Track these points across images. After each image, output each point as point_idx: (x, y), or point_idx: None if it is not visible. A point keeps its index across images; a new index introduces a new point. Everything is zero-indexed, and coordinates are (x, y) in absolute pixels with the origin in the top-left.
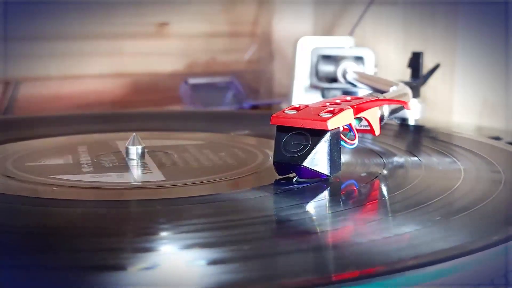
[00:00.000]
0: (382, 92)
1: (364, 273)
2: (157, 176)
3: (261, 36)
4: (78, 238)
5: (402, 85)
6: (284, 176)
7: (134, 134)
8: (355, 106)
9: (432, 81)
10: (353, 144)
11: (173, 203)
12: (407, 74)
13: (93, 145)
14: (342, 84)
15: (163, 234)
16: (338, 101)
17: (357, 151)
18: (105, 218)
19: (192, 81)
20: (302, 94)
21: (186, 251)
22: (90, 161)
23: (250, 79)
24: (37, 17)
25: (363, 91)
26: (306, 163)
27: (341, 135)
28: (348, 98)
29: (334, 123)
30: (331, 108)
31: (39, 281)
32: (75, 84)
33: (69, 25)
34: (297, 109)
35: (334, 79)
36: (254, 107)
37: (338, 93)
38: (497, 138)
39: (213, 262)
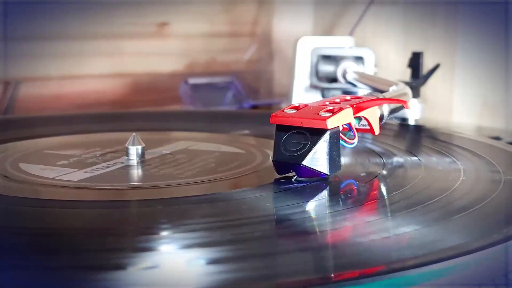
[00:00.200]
0: (382, 92)
1: (363, 273)
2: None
3: (261, 36)
4: (78, 238)
5: (402, 85)
6: (283, 175)
7: (134, 134)
8: (354, 106)
9: (432, 81)
10: (352, 143)
11: (173, 203)
12: (407, 74)
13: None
14: (342, 84)
15: (163, 234)
16: (337, 100)
17: (357, 150)
18: (105, 218)
19: (192, 81)
20: (302, 94)
21: (186, 251)
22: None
23: (250, 79)
24: (37, 17)
25: (363, 91)
26: (306, 162)
27: (341, 135)
28: (348, 97)
29: (334, 122)
30: (331, 107)
31: (39, 281)
32: (75, 84)
33: (69, 25)
34: (296, 108)
35: (334, 79)
36: (254, 107)
37: (338, 93)
38: (497, 138)
39: (213, 262)
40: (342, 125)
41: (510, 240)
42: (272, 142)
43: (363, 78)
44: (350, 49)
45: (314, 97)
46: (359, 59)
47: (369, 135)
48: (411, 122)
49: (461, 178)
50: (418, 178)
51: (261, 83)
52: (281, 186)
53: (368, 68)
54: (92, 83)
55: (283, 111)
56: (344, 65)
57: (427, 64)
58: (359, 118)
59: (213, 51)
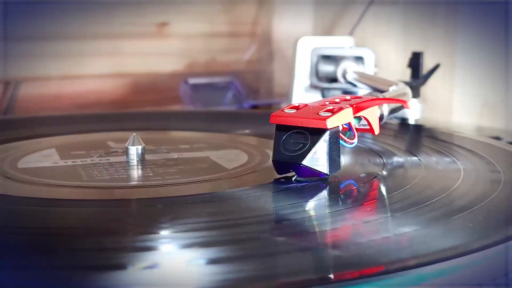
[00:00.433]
0: (382, 91)
1: (363, 273)
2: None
3: (261, 36)
4: (78, 238)
5: (402, 85)
6: (283, 175)
7: (134, 134)
8: (354, 105)
9: (432, 81)
10: (352, 143)
11: (173, 202)
12: (407, 74)
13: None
14: (342, 84)
15: (163, 233)
16: (337, 100)
17: (357, 150)
18: (105, 217)
19: (192, 81)
20: (302, 94)
21: (185, 250)
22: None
23: (250, 79)
24: (37, 17)
25: (363, 91)
26: (305, 162)
27: (341, 134)
28: (348, 97)
29: (333, 122)
30: (331, 107)
31: (39, 281)
32: (75, 84)
33: (69, 25)
34: (296, 108)
35: (334, 79)
36: (254, 107)
37: (338, 93)
38: (497, 138)
39: (212, 261)
40: (342, 125)
41: (510, 240)
42: (272, 142)
43: (363, 78)
44: (350, 49)
45: (314, 97)
46: (359, 59)
47: (369, 135)
48: (411, 122)
49: (461, 178)
50: (418, 178)
51: (261, 83)
52: (281, 186)
53: (368, 68)
54: (92, 83)
55: (283, 111)
56: (344, 65)
57: (427, 64)
58: (359, 118)
59: (213, 51)
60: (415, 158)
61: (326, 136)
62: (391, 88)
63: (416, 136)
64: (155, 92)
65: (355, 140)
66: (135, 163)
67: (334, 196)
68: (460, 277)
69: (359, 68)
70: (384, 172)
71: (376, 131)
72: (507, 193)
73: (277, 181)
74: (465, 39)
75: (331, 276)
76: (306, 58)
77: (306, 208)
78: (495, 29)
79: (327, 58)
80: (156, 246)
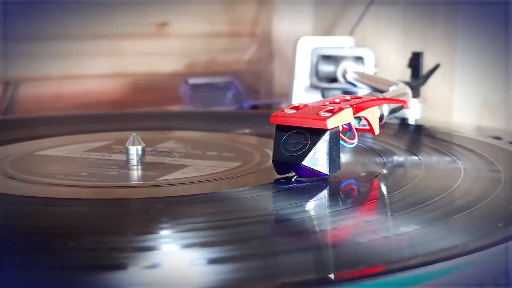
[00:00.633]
0: (382, 91)
1: (363, 273)
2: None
3: (261, 36)
4: (78, 238)
5: (402, 85)
6: (283, 175)
7: (134, 134)
8: (354, 106)
9: (432, 81)
10: (352, 143)
11: (173, 202)
12: (407, 74)
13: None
14: (342, 84)
15: (163, 233)
16: (337, 100)
17: (357, 150)
18: (105, 217)
19: (192, 81)
20: (302, 94)
21: (185, 250)
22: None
23: (250, 79)
24: (37, 17)
25: (363, 91)
26: (306, 162)
27: (341, 135)
28: (348, 97)
29: (334, 122)
30: (331, 108)
31: (39, 281)
32: (75, 84)
33: (69, 25)
34: (296, 108)
35: (334, 79)
36: (254, 107)
37: (338, 93)
38: (497, 138)
39: (213, 261)
40: (342, 125)
41: (510, 239)
42: (272, 142)
43: (363, 78)
44: (350, 49)
45: (314, 97)
46: (359, 59)
47: (369, 135)
48: (411, 122)
49: (461, 178)
50: (418, 178)
51: (261, 83)
52: (281, 186)
53: (368, 68)
54: (92, 83)
55: (283, 111)
56: (344, 65)
57: (427, 64)
58: (359, 118)
59: (213, 51)
60: (415, 157)
61: (326, 136)
62: (391, 88)
63: (416, 136)
64: (155, 92)
65: (355, 140)
66: (135, 163)
67: (334, 196)
68: (460, 277)
69: (359, 68)
70: (385, 172)
71: (376, 131)
72: (507, 192)
73: (277, 181)
74: (465, 39)
75: (332, 276)
76: (306, 58)
77: (306, 208)
78: (495, 29)
79: (327, 58)
80: (156, 246)
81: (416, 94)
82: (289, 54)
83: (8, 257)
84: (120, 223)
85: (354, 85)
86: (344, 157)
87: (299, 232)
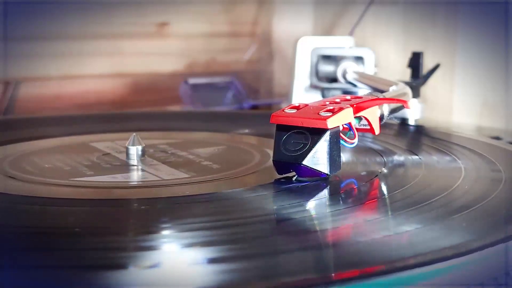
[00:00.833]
0: (382, 91)
1: (364, 272)
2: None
3: (261, 36)
4: (78, 238)
5: (402, 85)
6: (284, 175)
7: (134, 134)
8: (355, 105)
9: (432, 81)
10: (352, 143)
11: (173, 202)
12: (407, 74)
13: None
14: (342, 84)
15: (164, 233)
16: (338, 100)
17: (357, 150)
18: (105, 217)
19: (192, 81)
20: (302, 94)
21: (186, 250)
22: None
23: (250, 79)
24: (37, 17)
25: (363, 91)
26: (306, 162)
27: (341, 134)
28: (348, 97)
29: (334, 122)
30: (331, 107)
31: (39, 281)
32: (75, 84)
33: (69, 25)
34: (297, 108)
35: (334, 79)
36: (254, 107)
37: (338, 93)
38: (497, 138)
39: (213, 261)
40: (342, 125)
41: (511, 238)
42: (272, 142)
43: (363, 78)
44: (350, 49)
45: (314, 97)
46: (359, 59)
47: (369, 135)
48: (411, 122)
49: (461, 177)
50: (419, 177)
51: (261, 83)
52: (281, 185)
53: (368, 68)
54: (92, 83)
55: (283, 110)
56: (344, 65)
57: (427, 64)
58: (359, 118)
59: (213, 51)
60: (416, 157)
61: (326, 136)
62: (391, 88)
63: (416, 135)
64: (155, 92)
65: (356, 140)
66: (135, 163)
67: (334, 196)
68: (461, 276)
69: (359, 68)
70: (385, 171)
71: (377, 131)
72: (507, 192)
73: (277, 181)
74: (465, 39)
75: (332, 275)
76: (306, 58)
77: (307, 208)
78: (495, 29)
79: (327, 58)
80: (156, 245)
81: (416, 94)
82: (289, 54)
83: (8, 257)
84: (120, 223)
85: (354, 85)
86: (345, 157)
87: (299, 232)
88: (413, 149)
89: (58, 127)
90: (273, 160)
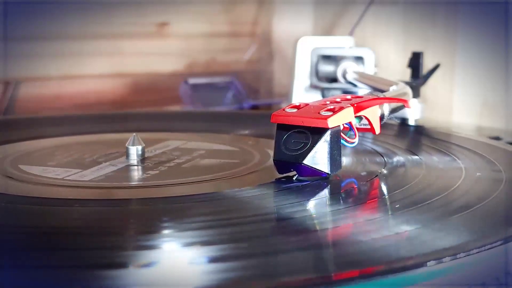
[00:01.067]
0: (382, 91)
1: (364, 272)
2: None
3: (261, 36)
4: (78, 237)
5: (402, 85)
6: (284, 175)
7: (134, 134)
8: (355, 105)
9: (432, 81)
10: (353, 142)
11: (173, 202)
12: (407, 74)
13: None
14: (342, 84)
15: (164, 232)
16: (338, 99)
17: (358, 150)
18: (105, 217)
19: (192, 81)
20: (302, 94)
21: (186, 249)
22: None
23: (250, 79)
24: (37, 17)
25: (363, 91)
26: (307, 161)
27: (341, 134)
28: (349, 96)
29: (335, 121)
30: (332, 107)
31: (39, 281)
32: (75, 84)
33: (69, 25)
34: (297, 107)
35: (334, 79)
36: (254, 107)
37: (338, 93)
38: (497, 138)
39: (213, 260)
40: (343, 124)
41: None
42: (272, 142)
43: (363, 78)
44: (350, 49)
45: (314, 97)
46: (359, 59)
47: (369, 135)
48: (411, 122)
49: (462, 177)
50: (419, 177)
51: (261, 83)
52: (282, 185)
53: (368, 68)
54: (92, 83)
55: (284, 110)
56: (344, 65)
57: (427, 64)
58: (359, 118)
59: (213, 51)
60: (416, 157)
61: (327, 136)
62: (392, 88)
63: (416, 135)
64: (155, 92)
65: (356, 140)
66: (135, 163)
67: (335, 195)
68: (462, 276)
69: (359, 68)
70: (385, 171)
71: (377, 130)
72: (508, 192)
73: (278, 180)
74: (465, 39)
75: (332, 275)
76: (306, 58)
77: (307, 207)
78: (495, 29)
79: (327, 58)
80: (156, 245)
81: (416, 94)
82: (289, 54)
83: (8, 257)
84: (120, 223)
85: (354, 85)
86: (345, 157)
87: (300, 231)
88: (413, 149)
89: (58, 127)
90: (273, 160)
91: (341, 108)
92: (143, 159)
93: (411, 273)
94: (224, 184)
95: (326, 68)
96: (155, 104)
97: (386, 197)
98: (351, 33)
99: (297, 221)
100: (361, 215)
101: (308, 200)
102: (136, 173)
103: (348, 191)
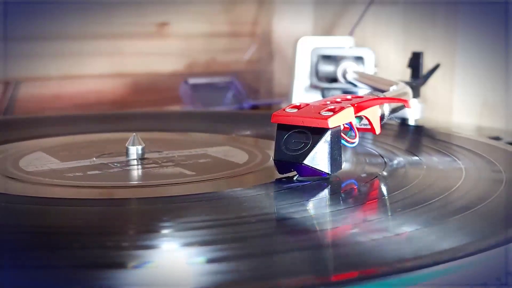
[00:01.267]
0: (382, 91)
1: (364, 273)
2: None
3: (261, 36)
4: (78, 237)
5: (402, 85)
6: (285, 175)
7: (134, 134)
8: (355, 105)
9: (432, 81)
10: (353, 142)
11: (173, 201)
12: (407, 74)
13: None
14: (342, 84)
15: (164, 232)
16: (338, 99)
17: (358, 150)
18: (105, 217)
19: (192, 81)
20: (302, 94)
21: (185, 249)
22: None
23: (250, 79)
24: (37, 17)
25: (363, 91)
26: (307, 161)
27: (342, 134)
28: (349, 96)
29: (335, 121)
30: (332, 107)
31: (39, 281)
32: (75, 84)
33: (69, 25)
34: (297, 107)
35: (334, 79)
36: (254, 107)
37: (338, 93)
38: (497, 138)
39: (213, 261)
40: (343, 125)
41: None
42: (272, 142)
43: (363, 78)
44: (350, 49)
45: (314, 97)
46: (359, 59)
47: (369, 135)
48: (411, 122)
49: (462, 178)
50: (419, 178)
51: (261, 83)
52: (282, 185)
53: (368, 68)
54: (92, 83)
55: (284, 110)
56: (344, 65)
57: (427, 64)
58: (360, 118)
59: (213, 51)
60: (416, 157)
61: (327, 136)
62: (392, 88)
63: (416, 136)
64: (155, 92)
65: (357, 140)
66: (135, 163)
67: (335, 196)
68: (462, 277)
69: (359, 68)
70: (385, 172)
71: (377, 130)
72: (508, 192)
73: (278, 180)
74: (465, 39)
75: (331, 276)
76: (306, 58)
77: (307, 208)
78: (495, 29)
79: (327, 58)
80: (156, 245)
81: (416, 94)
82: (289, 54)
83: (8, 256)
84: (120, 223)
85: (354, 85)
86: (345, 157)
87: (299, 232)
88: (413, 150)
89: (58, 127)
90: (274, 160)
91: (342, 108)
92: (143, 159)
93: (411, 274)
94: (224, 184)
95: (326, 68)
96: (155, 104)
97: (387, 198)
98: (351, 33)
99: (297, 221)
100: (361, 215)
101: (308, 200)
102: (136, 173)
103: (348, 192)
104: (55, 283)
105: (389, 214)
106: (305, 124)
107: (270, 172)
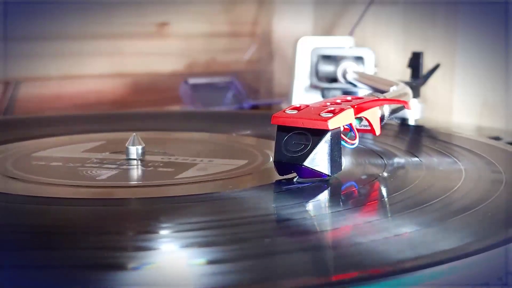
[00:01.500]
0: (382, 92)
1: (364, 274)
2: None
3: (261, 36)
4: (78, 238)
5: (402, 85)
6: (284, 176)
7: (134, 134)
8: (355, 106)
9: (432, 81)
10: (353, 144)
11: (173, 202)
12: (407, 74)
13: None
14: (342, 84)
15: (163, 233)
16: (338, 101)
17: (358, 151)
18: (105, 217)
19: (192, 81)
20: (302, 94)
21: (185, 250)
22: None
23: (250, 79)
24: (37, 17)
25: (363, 91)
26: (307, 163)
27: (342, 135)
28: (349, 98)
29: (335, 122)
30: (332, 108)
31: (39, 281)
32: (75, 84)
33: (69, 25)
34: (297, 109)
35: (334, 79)
36: (254, 107)
37: (338, 93)
38: (497, 138)
39: (212, 262)
40: (343, 126)
41: None
42: (272, 142)
43: (363, 78)
44: (350, 49)
45: (314, 97)
46: (359, 59)
47: (369, 136)
48: (411, 122)
49: (462, 179)
50: (419, 179)
51: (261, 83)
52: (282, 186)
53: (368, 68)
54: (92, 83)
55: (284, 111)
56: (344, 65)
57: (427, 64)
58: (360, 119)
59: (213, 51)
60: (416, 158)
61: (327, 137)
62: (392, 88)
63: (416, 136)
64: (155, 92)
65: (357, 141)
66: (135, 163)
67: (335, 197)
68: (462, 277)
69: (359, 68)
70: (385, 173)
71: (377, 131)
72: (508, 193)
73: (278, 182)
74: (465, 39)
75: (331, 277)
76: (306, 58)
77: (307, 209)
78: (495, 29)
79: (327, 58)
80: (156, 245)
81: (416, 94)
82: (289, 54)
83: (8, 256)
84: (120, 223)
85: (354, 85)
86: (345, 158)
87: (299, 233)
88: (413, 150)
89: (58, 127)
90: (274, 161)
91: (342, 110)
92: (143, 159)
93: (411, 274)
94: (224, 185)
95: (326, 68)
96: (155, 104)
97: (387, 199)
98: (351, 33)
99: (296, 223)
100: (361, 217)
101: (308, 202)
102: (136, 173)
103: (348, 193)
104: (55, 283)
105: (389, 215)
106: (305, 126)
107: (270, 173)
